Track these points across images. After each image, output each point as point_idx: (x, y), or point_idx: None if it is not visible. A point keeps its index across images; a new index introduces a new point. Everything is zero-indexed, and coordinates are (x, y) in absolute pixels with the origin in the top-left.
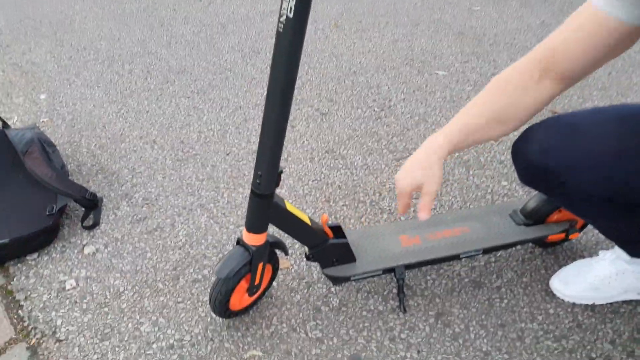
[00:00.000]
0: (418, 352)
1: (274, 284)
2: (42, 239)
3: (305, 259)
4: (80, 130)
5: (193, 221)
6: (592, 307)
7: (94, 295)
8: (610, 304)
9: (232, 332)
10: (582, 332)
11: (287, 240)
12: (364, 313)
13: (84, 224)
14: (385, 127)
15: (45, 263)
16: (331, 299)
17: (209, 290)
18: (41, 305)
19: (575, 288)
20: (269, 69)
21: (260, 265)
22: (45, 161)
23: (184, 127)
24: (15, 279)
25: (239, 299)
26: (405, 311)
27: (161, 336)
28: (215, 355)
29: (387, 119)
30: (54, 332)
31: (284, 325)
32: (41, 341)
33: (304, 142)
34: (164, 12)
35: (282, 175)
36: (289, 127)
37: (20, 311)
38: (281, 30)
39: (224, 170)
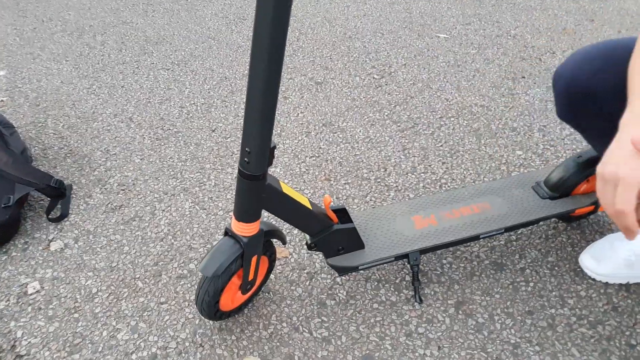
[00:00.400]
0: (439, 348)
1: (271, 276)
2: None
3: (306, 248)
4: (45, 109)
5: (176, 208)
6: (627, 287)
7: (62, 300)
8: None
9: (224, 336)
10: (619, 316)
11: (285, 225)
12: (375, 305)
13: (49, 216)
14: (386, 95)
15: (3, 264)
16: (337, 291)
17: (195, 288)
18: None
19: (608, 265)
20: None
21: (254, 259)
22: (0, 145)
23: (163, 102)
24: None
25: (231, 297)
26: (421, 301)
27: (142, 344)
28: None
29: (388, 86)
30: (13, 347)
31: (285, 324)
32: None
33: (298, 114)
34: None
35: (276, 151)
36: (280, 99)
37: None
38: None
39: (210, 149)
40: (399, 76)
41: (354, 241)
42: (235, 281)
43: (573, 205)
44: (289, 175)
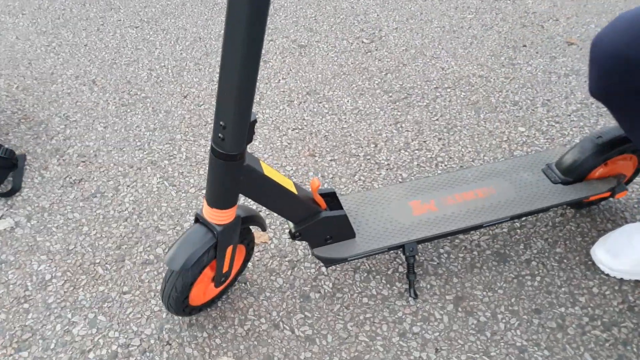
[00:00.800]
0: (436, 350)
1: (249, 264)
2: None
3: (289, 237)
4: None
5: (142, 183)
6: None
7: (10, 287)
8: None
9: (195, 333)
10: (636, 316)
11: (265, 209)
12: (365, 300)
13: None
14: (376, 61)
15: None
16: (322, 282)
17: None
18: None
19: (625, 261)
20: None
21: (230, 249)
22: None
23: (131, 64)
24: None
25: (202, 290)
26: (416, 296)
27: (101, 341)
28: None
29: (378, 52)
30: None
31: (263, 320)
32: None
33: (279, 80)
34: None
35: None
36: (260, 63)
37: None
38: None
39: (181, 117)
40: (390, 41)
41: (343, 230)
42: (208, 273)
43: (588, 192)
44: (269, 149)
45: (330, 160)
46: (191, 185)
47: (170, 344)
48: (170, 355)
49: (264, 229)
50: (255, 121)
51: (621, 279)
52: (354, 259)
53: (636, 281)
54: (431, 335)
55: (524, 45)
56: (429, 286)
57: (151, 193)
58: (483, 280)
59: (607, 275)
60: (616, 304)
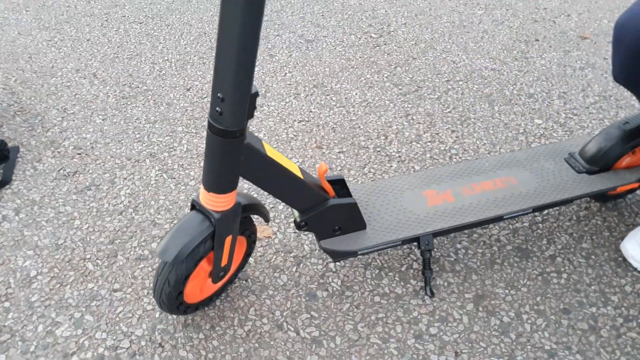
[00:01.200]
0: (456, 354)
1: (250, 260)
2: None
3: (294, 227)
4: None
5: (140, 176)
6: None
7: None
8: None
9: (190, 334)
10: None
11: (268, 199)
12: (377, 299)
13: None
14: (385, 55)
15: None
16: (330, 279)
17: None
18: None
19: None
20: None
21: (229, 240)
22: None
23: (133, 58)
24: None
25: (199, 286)
26: (432, 294)
27: (86, 343)
28: None
29: (387, 46)
30: None
31: (265, 320)
32: None
33: (285, 74)
34: None
35: (258, 112)
36: (266, 57)
37: None
38: None
39: (183, 110)
40: (399, 35)
41: (353, 220)
42: (205, 266)
43: (615, 182)
44: (275, 141)
45: (339, 152)
46: (191, 177)
47: (162, 346)
48: (162, 359)
49: (266, 220)
50: (256, 94)
51: None
52: (365, 253)
53: None
54: (450, 337)
55: (537, 40)
56: (446, 284)
57: (149, 186)
58: (505, 278)
59: None
60: None
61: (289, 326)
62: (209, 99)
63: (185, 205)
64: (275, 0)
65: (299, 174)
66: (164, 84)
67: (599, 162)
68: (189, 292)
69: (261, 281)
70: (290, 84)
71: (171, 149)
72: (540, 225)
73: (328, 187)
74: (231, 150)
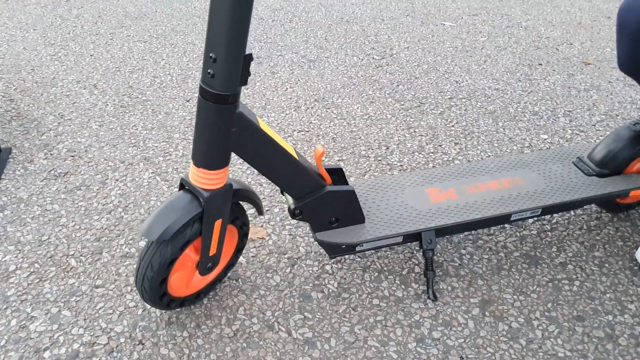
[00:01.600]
0: (461, 359)
1: (242, 259)
2: None
3: (290, 217)
4: None
5: (132, 178)
6: None
7: None
8: None
9: (173, 332)
10: None
11: (264, 201)
12: (376, 301)
13: None
14: (388, 75)
15: None
16: (326, 281)
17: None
18: None
19: None
20: None
21: (218, 224)
22: None
23: (135, 72)
24: None
25: (185, 279)
26: (435, 298)
27: (61, 338)
28: None
29: (389, 67)
30: None
31: (255, 320)
32: None
33: (287, 89)
34: None
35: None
36: (267, 73)
37: None
38: None
39: (182, 118)
40: (402, 58)
41: (351, 211)
42: (192, 256)
43: (627, 185)
44: None
45: (338, 160)
46: None
47: (143, 344)
48: (142, 356)
49: (260, 211)
50: (250, 57)
51: None
52: (363, 250)
53: None
54: (454, 341)
55: (540, 64)
56: (450, 288)
57: (141, 187)
58: (512, 284)
59: None
60: None
61: (280, 326)
62: None
63: None
64: (279, 25)
65: (294, 155)
66: (164, 95)
67: (609, 165)
68: (174, 285)
69: (252, 281)
70: (291, 98)
71: (166, 154)
72: (549, 233)
73: (325, 174)
74: (223, 118)
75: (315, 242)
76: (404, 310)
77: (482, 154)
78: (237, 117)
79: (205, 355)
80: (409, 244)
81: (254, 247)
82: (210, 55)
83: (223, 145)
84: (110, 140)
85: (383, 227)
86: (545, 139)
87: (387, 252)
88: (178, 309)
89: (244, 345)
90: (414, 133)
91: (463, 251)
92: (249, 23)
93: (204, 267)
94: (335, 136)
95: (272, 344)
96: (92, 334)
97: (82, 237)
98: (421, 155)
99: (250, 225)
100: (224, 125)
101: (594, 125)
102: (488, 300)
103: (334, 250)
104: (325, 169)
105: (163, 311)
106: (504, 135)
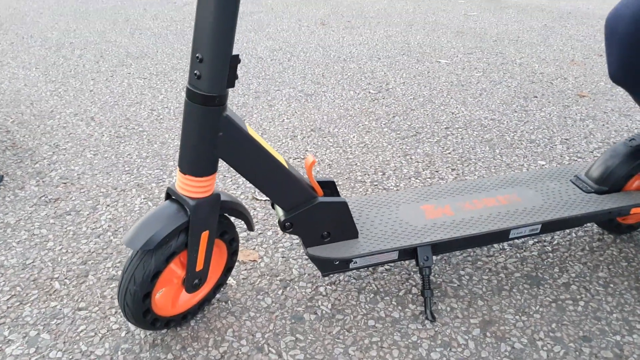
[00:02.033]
0: None
1: (232, 281)
2: None
3: (280, 230)
4: None
5: (124, 203)
6: None
7: None
8: None
9: (158, 354)
10: None
11: (257, 225)
12: (371, 323)
13: None
14: (384, 107)
15: None
16: (320, 302)
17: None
18: None
19: None
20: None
21: (205, 236)
22: None
23: (133, 105)
24: None
25: (171, 297)
26: (433, 319)
27: None
28: None
29: (385, 100)
30: None
31: (244, 342)
32: None
33: (283, 120)
34: (132, 10)
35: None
36: (265, 106)
37: None
38: None
39: (177, 148)
40: (398, 92)
41: (344, 224)
42: (177, 272)
43: (627, 202)
44: None
45: None
46: None
47: None
48: None
49: (250, 226)
50: (237, 58)
51: None
52: (357, 267)
53: None
54: None
55: (535, 96)
56: (448, 309)
57: (132, 212)
58: (514, 304)
59: None
60: None
61: (270, 348)
62: None
63: None
64: (278, 64)
65: (284, 164)
66: (160, 127)
67: (607, 181)
68: (160, 303)
69: (242, 303)
70: (287, 128)
71: (160, 180)
72: (550, 254)
73: (316, 185)
74: (209, 121)
75: (309, 264)
76: (400, 331)
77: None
78: (224, 121)
79: None
80: (405, 264)
81: (245, 270)
82: (197, 55)
83: (209, 150)
84: (103, 168)
85: (377, 242)
86: (543, 165)
87: (384, 274)
88: (163, 330)
89: None
90: (410, 160)
91: (462, 272)
92: (236, 22)
93: (190, 283)
94: (331, 163)
95: None
96: (70, 357)
97: (68, 261)
98: (418, 180)
99: (242, 248)
100: (210, 129)
101: (592, 152)
102: (489, 320)
103: (326, 266)
104: (317, 181)
105: (147, 333)
106: (501, 161)
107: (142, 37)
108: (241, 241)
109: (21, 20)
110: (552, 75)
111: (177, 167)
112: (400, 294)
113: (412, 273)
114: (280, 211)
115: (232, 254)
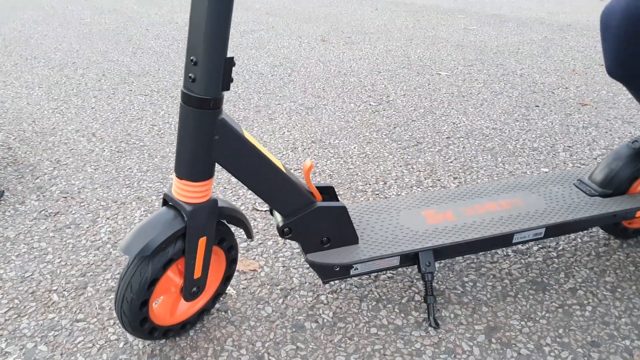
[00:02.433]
0: None
1: (232, 291)
2: None
3: (279, 237)
4: (0, 125)
5: (124, 216)
6: None
7: None
8: None
9: None
10: None
11: (257, 235)
12: (373, 330)
13: None
14: (384, 119)
15: None
16: (321, 311)
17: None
18: None
19: None
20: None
21: (203, 242)
22: None
23: (134, 121)
24: None
25: (169, 307)
26: (437, 325)
27: None
28: None
29: (385, 112)
30: None
31: (244, 351)
32: None
33: (284, 132)
34: (134, 30)
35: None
36: (265, 120)
37: None
38: None
39: None
40: (398, 104)
41: (343, 229)
42: (175, 280)
43: (632, 204)
44: None
45: None
46: None
47: None
48: None
49: (249, 234)
50: (232, 61)
51: None
52: (358, 275)
53: None
54: None
55: (537, 106)
56: (452, 315)
57: (131, 224)
58: (520, 310)
59: None
60: None
61: (270, 357)
62: None
63: None
64: (278, 79)
65: (282, 169)
66: (161, 141)
67: (611, 184)
68: (157, 312)
69: (242, 312)
70: (288, 140)
71: (160, 193)
72: (555, 260)
73: (315, 190)
74: (205, 124)
75: (310, 273)
76: (403, 339)
77: None
78: (220, 124)
79: None
80: (407, 271)
81: (245, 279)
82: (192, 58)
83: (206, 154)
84: (104, 182)
85: (378, 247)
86: (546, 172)
87: (386, 281)
88: (162, 341)
89: None
90: (411, 169)
91: (465, 279)
92: (230, 24)
93: (188, 291)
94: (332, 173)
95: None
96: None
97: (67, 273)
98: (419, 189)
99: (242, 258)
100: (206, 132)
101: (595, 159)
102: (494, 326)
103: (326, 273)
104: (316, 187)
105: (146, 343)
106: (503, 169)
107: (144, 56)
108: (241, 251)
109: (25, 42)
110: (554, 85)
111: (174, 172)
112: (403, 301)
113: (414, 280)
114: (278, 217)
115: (231, 262)
